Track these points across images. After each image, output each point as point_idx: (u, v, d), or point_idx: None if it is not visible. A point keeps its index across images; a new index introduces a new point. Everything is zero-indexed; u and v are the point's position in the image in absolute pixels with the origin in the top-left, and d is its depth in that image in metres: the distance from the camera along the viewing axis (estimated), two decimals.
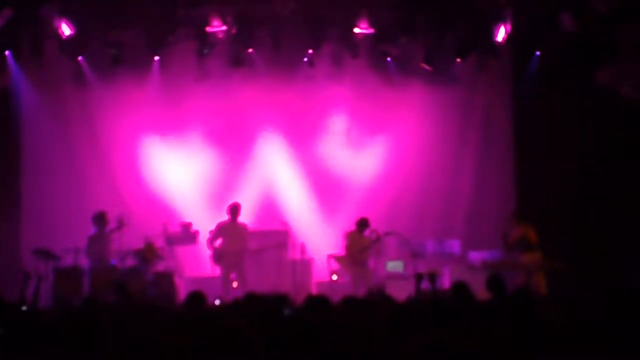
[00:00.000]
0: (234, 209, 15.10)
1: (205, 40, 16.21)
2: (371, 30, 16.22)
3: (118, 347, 6.15)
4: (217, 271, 15.26)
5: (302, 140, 17.40)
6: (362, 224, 15.04)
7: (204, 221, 15.98)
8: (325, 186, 17.41)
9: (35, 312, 8.87)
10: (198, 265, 16.14)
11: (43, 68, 16.45)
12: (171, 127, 17.02)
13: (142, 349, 6.15)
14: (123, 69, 16.58)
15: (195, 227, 15.67)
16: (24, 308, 9.65)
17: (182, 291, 14.74)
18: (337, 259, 15.39)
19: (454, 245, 16.46)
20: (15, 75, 16.47)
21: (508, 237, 14.80)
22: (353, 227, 15.18)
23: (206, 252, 15.46)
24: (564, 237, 15.79)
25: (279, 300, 8.09)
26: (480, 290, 9.42)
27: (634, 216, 15.69)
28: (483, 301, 8.67)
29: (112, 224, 14.73)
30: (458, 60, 17.08)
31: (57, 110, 16.69)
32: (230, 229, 15.01)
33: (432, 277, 9.70)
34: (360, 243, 14.88)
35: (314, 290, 15.33)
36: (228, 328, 4.88)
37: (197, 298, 8.07)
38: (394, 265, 16.00)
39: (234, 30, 15.96)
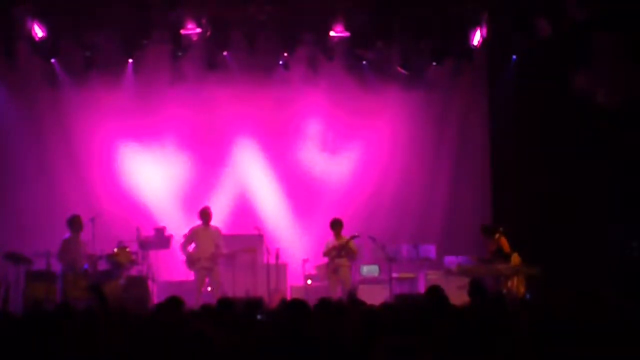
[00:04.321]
0: (205, 213, 14.99)
1: (180, 43, 16.10)
2: (347, 34, 16.18)
3: (90, 353, 6.07)
4: (190, 276, 15.16)
5: (277, 144, 17.34)
6: (336, 224, 14.91)
7: (178, 225, 15.87)
8: (300, 190, 17.36)
9: (5, 316, 8.75)
10: (171, 270, 16.02)
11: (15, 70, 16.31)
12: (145, 131, 16.91)
13: (114, 354, 6.08)
14: (96, 72, 16.47)
15: (168, 231, 15.55)
16: None
17: (156, 296, 14.65)
18: (318, 268, 15.31)
19: (430, 250, 16.43)
20: None
21: (486, 252, 14.85)
22: (329, 232, 15.04)
23: (180, 257, 15.35)
24: (539, 241, 15.80)
25: (253, 304, 8.03)
26: (455, 295, 9.38)
27: (609, 220, 15.74)
28: (458, 306, 8.62)
29: (86, 228, 14.59)
30: (434, 64, 17.09)
31: (29, 113, 16.55)
32: (202, 233, 14.91)
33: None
34: (335, 247, 14.78)
35: (289, 295, 15.26)
36: (195, 332, 4.82)
37: (173, 303, 7.97)
38: (369, 270, 15.97)
39: (208, 33, 15.87)
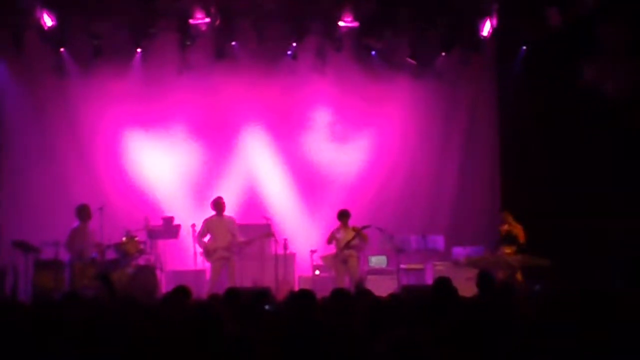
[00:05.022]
0: (218, 204, 14.96)
1: (188, 33, 16.06)
2: (355, 24, 16.12)
3: (98, 342, 6.08)
4: (199, 265, 15.18)
5: (286, 133, 17.33)
6: (344, 215, 14.83)
7: (186, 215, 15.89)
8: (308, 180, 17.35)
9: (14, 305, 8.77)
10: (180, 259, 16.05)
11: (24, 59, 16.30)
12: (153, 120, 16.91)
13: (122, 343, 6.09)
14: (105, 61, 16.43)
15: (177, 221, 15.56)
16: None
17: (164, 285, 14.67)
18: (324, 258, 15.28)
19: (438, 241, 16.43)
20: None
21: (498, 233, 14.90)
22: (337, 223, 14.99)
23: (188, 246, 15.38)
24: (548, 233, 15.76)
25: (261, 295, 8.03)
26: (463, 287, 9.36)
27: (619, 211, 15.67)
28: (465, 297, 8.62)
29: (94, 218, 14.60)
30: (443, 54, 17.06)
31: (37, 102, 16.56)
32: (217, 224, 14.88)
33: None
34: (344, 237, 14.72)
35: (297, 285, 15.27)
36: (203, 322, 4.82)
37: (182, 292, 7.98)
38: (377, 260, 15.97)
39: (217, 23, 15.83)
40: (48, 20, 15.38)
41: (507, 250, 14.53)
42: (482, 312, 6.53)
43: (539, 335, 5.93)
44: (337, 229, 14.82)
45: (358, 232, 14.58)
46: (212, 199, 15.11)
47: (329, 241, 14.83)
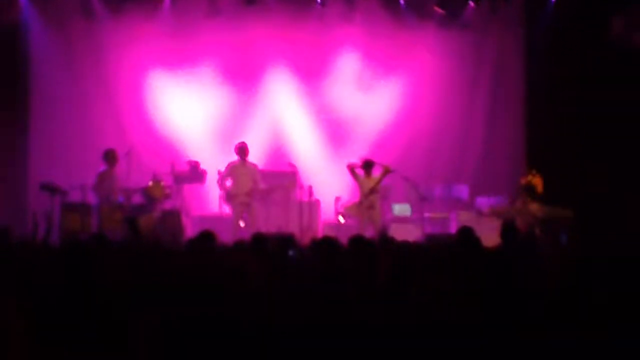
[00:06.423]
0: (242, 149, 15.00)
1: None
2: None
3: (124, 285, 6.18)
4: (224, 210, 15.29)
5: (313, 79, 17.30)
6: (368, 165, 14.77)
7: (212, 160, 15.93)
8: (334, 127, 17.37)
9: (45, 248, 8.91)
10: (205, 205, 16.17)
11: (52, 2, 16.30)
12: (180, 64, 16.89)
13: (147, 286, 6.18)
14: (133, 3, 16.46)
15: (203, 165, 15.63)
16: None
17: (189, 230, 14.79)
18: (347, 207, 15.33)
19: (462, 190, 16.45)
20: (25, 9, 16.36)
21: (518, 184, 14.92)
22: (359, 169, 14.93)
23: (213, 192, 15.48)
24: (571, 184, 15.76)
25: (285, 241, 8.10)
26: (487, 236, 9.38)
27: None
28: (488, 247, 8.65)
29: (121, 162, 14.70)
30: (471, 4, 16.92)
31: (66, 46, 16.55)
32: (240, 170, 14.95)
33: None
34: (368, 185, 14.72)
35: (320, 232, 15.35)
36: (231, 266, 4.88)
37: (206, 237, 8.06)
38: (401, 209, 16.01)
39: None
40: None
41: (533, 207, 14.54)
42: (506, 262, 6.57)
43: (564, 291, 5.94)
44: (357, 177, 14.73)
45: (386, 169, 14.57)
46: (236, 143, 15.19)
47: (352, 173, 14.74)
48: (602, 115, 16.06)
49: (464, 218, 15.22)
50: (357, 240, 7.52)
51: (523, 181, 14.95)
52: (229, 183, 14.96)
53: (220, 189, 15.01)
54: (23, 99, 16.44)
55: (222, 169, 15.07)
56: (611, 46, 15.47)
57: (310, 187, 15.30)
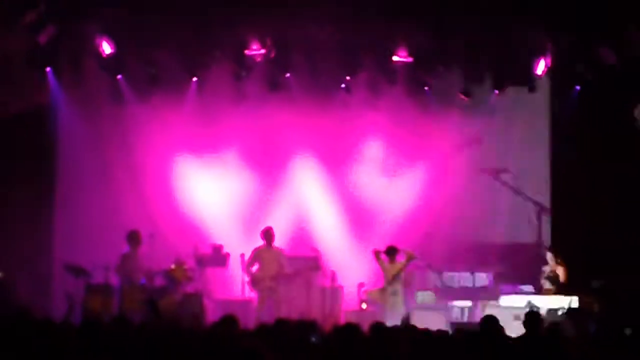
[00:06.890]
0: (268, 234, 15.10)
1: (243, 63, 16.21)
2: (409, 59, 16.18)
3: None
4: (248, 295, 15.23)
5: (337, 166, 17.38)
6: (392, 251, 14.82)
7: (235, 243, 15.97)
8: (358, 213, 17.37)
9: (67, 328, 8.87)
10: (228, 288, 16.13)
11: (82, 85, 16.55)
12: (206, 148, 17.07)
13: None
14: (161, 89, 16.64)
15: (226, 249, 15.65)
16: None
17: (212, 313, 14.72)
18: (370, 292, 15.26)
19: (486, 278, 16.30)
20: (55, 92, 16.60)
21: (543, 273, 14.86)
22: (383, 256, 14.96)
23: (236, 275, 15.47)
24: (598, 274, 15.59)
25: (307, 327, 8.05)
26: (510, 326, 9.28)
27: None
28: (512, 337, 8.54)
29: (144, 244, 14.75)
30: (496, 92, 17.02)
31: (94, 128, 16.76)
32: (266, 254, 15.02)
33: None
34: (391, 271, 14.69)
35: (343, 319, 15.23)
36: (248, 351, 4.85)
37: (229, 321, 8.02)
38: (425, 297, 15.87)
39: (272, 55, 15.98)
40: (107, 48, 15.63)
41: (550, 290, 14.48)
42: (529, 353, 6.49)
43: None
44: (381, 263, 14.77)
45: (410, 255, 14.56)
46: (261, 228, 15.21)
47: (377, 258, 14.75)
48: (631, 200, 15.98)
49: (488, 307, 15.05)
50: (379, 327, 7.46)
51: (546, 270, 14.92)
52: (254, 268, 14.96)
53: (247, 274, 15.00)
54: (50, 180, 16.61)
55: (245, 252, 15.09)
56: (636, 133, 15.50)
57: (333, 273, 15.27)
